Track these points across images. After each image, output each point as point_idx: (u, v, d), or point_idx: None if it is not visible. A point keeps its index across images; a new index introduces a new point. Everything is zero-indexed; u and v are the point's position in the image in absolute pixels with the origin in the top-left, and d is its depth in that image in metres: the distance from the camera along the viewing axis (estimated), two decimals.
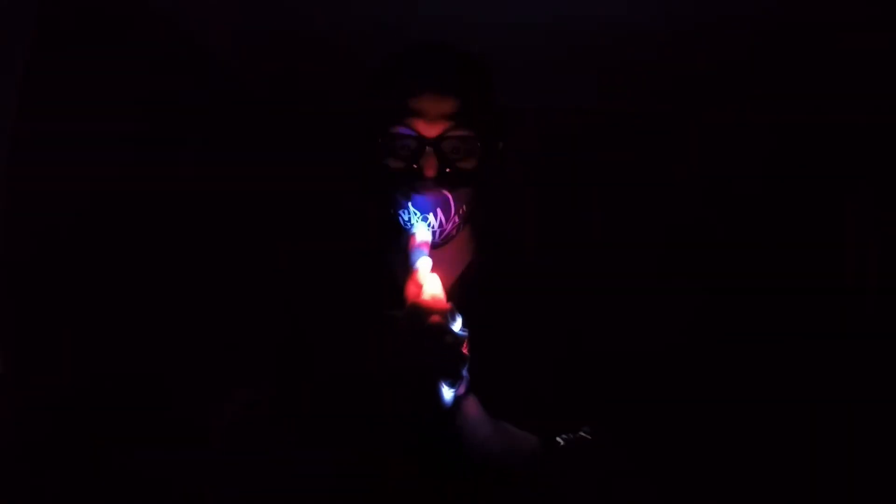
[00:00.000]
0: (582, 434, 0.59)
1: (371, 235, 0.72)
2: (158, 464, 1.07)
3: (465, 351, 0.46)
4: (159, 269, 1.22)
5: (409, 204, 0.58)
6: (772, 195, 1.88)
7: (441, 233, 0.60)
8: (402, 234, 0.59)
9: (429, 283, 0.47)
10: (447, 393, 0.47)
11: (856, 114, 1.72)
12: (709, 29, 1.45)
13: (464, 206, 0.60)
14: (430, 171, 0.57)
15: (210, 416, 1.03)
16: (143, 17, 1.19)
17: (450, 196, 0.58)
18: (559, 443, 0.57)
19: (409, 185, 0.57)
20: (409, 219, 0.59)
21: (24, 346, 0.88)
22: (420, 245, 0.52)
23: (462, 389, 0.49)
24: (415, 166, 0.58)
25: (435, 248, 0.58)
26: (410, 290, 0.48)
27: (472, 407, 0.52)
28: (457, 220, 0.60)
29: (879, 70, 1.55)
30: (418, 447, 0.55)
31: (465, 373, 0.47)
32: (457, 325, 0.46)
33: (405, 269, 0.51)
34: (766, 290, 1.80)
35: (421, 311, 0.46)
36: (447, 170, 0.58)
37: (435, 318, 0.45)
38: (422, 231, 0.55)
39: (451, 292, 0.60)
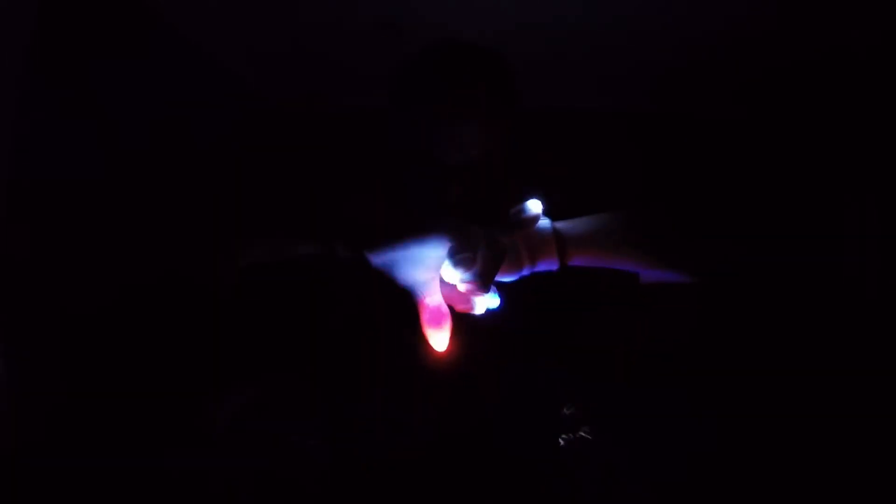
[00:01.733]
0: (582, 434, 0.59)
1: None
2: (158, 463, 1.07)
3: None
4: (159, 269, 1.22)
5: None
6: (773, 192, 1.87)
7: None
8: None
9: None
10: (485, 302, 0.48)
11: (857, 116, 1.72)
12: (705, 27, 1.45)
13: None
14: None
15: (210, 415, 1.02)
16: (142, 20, 1.19)
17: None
18: (559, 443, 0.57)
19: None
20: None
21: (23, 346, 0.88)
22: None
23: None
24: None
25: None
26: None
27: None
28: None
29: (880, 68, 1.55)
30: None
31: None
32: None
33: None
34: (767, 294, 1.80)
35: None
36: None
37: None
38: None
39: None
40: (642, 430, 1.03)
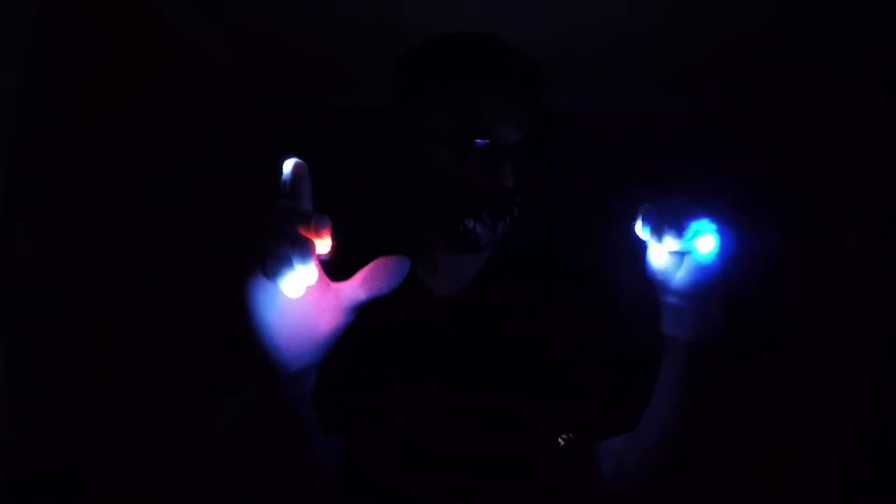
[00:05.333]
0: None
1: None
2: (157, 464, 1.07)
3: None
4: (159, 269, 1.22)
5: (484, 213, 0.52)
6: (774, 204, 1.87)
7: (498, 236, 0.55)
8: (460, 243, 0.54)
9: None
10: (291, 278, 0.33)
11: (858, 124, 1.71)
12: (708, 35, 1.44)
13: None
14: (510, 181, 0.52)
15: (210, 416, 1.02)
16: (143, 19, 1.19)
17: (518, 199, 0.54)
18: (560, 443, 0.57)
19: (481, 194, 0.52)
20: (478, 228, 0.53)
21: (22, 345, 0.88)
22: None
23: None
24: (490, 176, 0.52)
25: (482, 250, 0.57)
26: None
27: None
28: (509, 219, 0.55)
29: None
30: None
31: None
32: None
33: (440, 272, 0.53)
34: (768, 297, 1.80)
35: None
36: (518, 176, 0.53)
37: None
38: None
39: (470, 286, 0.60)
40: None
